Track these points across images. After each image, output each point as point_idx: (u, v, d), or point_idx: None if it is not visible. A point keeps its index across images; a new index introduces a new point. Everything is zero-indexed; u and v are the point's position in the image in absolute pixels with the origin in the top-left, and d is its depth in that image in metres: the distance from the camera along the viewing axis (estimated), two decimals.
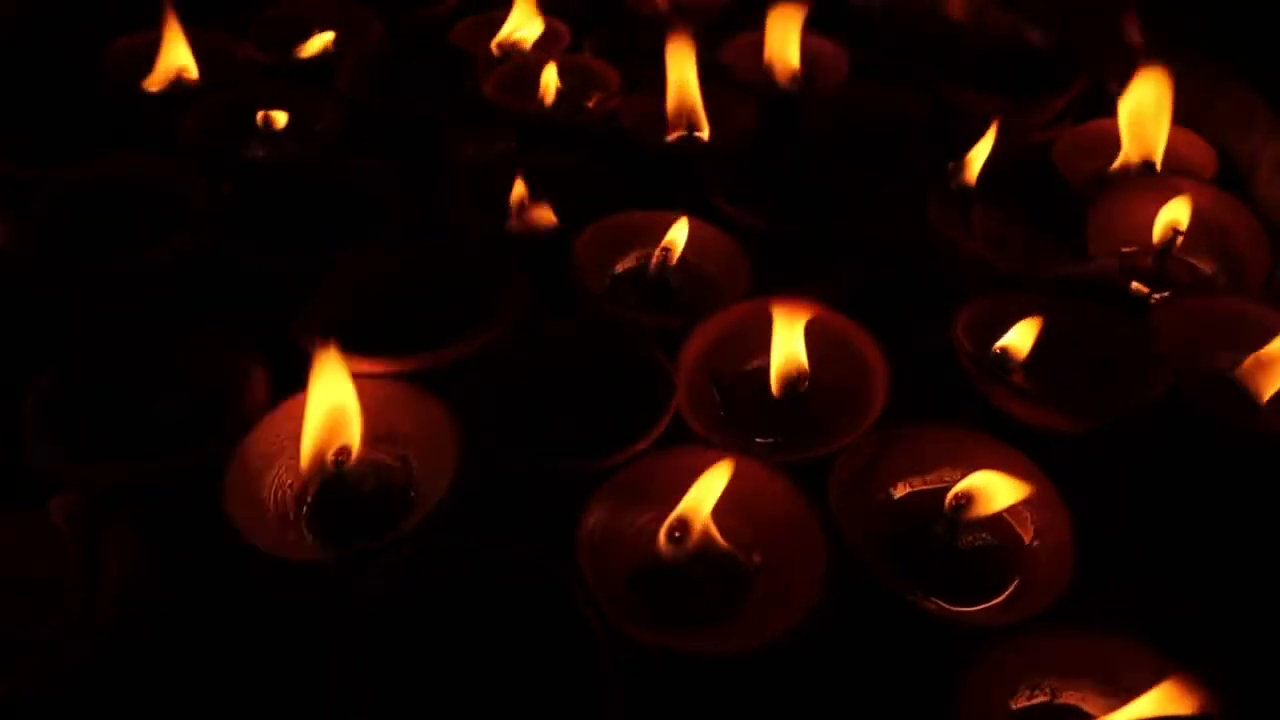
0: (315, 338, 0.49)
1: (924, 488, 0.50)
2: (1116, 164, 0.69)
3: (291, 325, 0.55)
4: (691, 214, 0.64)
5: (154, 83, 0.75)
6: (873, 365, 0.54)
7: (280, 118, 0.71)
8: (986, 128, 0.68)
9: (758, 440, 0.54)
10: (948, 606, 0.46)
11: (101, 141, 0.71)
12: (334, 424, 0.50)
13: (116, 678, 0.45)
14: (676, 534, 0.45)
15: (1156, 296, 0.61)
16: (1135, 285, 0.62)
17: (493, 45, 0.82)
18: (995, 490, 0.46)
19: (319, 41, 0.80)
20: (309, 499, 0.50)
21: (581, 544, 0.45)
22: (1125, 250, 0.64)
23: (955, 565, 0.47)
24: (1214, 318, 0.57)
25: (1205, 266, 0.64)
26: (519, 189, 0.64)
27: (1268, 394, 0.53)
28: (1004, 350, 0.53)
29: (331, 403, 0.50)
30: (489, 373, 0.54)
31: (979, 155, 0.67)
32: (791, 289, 0.55)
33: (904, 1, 0.93)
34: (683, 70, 0.71)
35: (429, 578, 0.45)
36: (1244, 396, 0.54)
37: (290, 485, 0.51)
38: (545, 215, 0.64)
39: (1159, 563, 0.49)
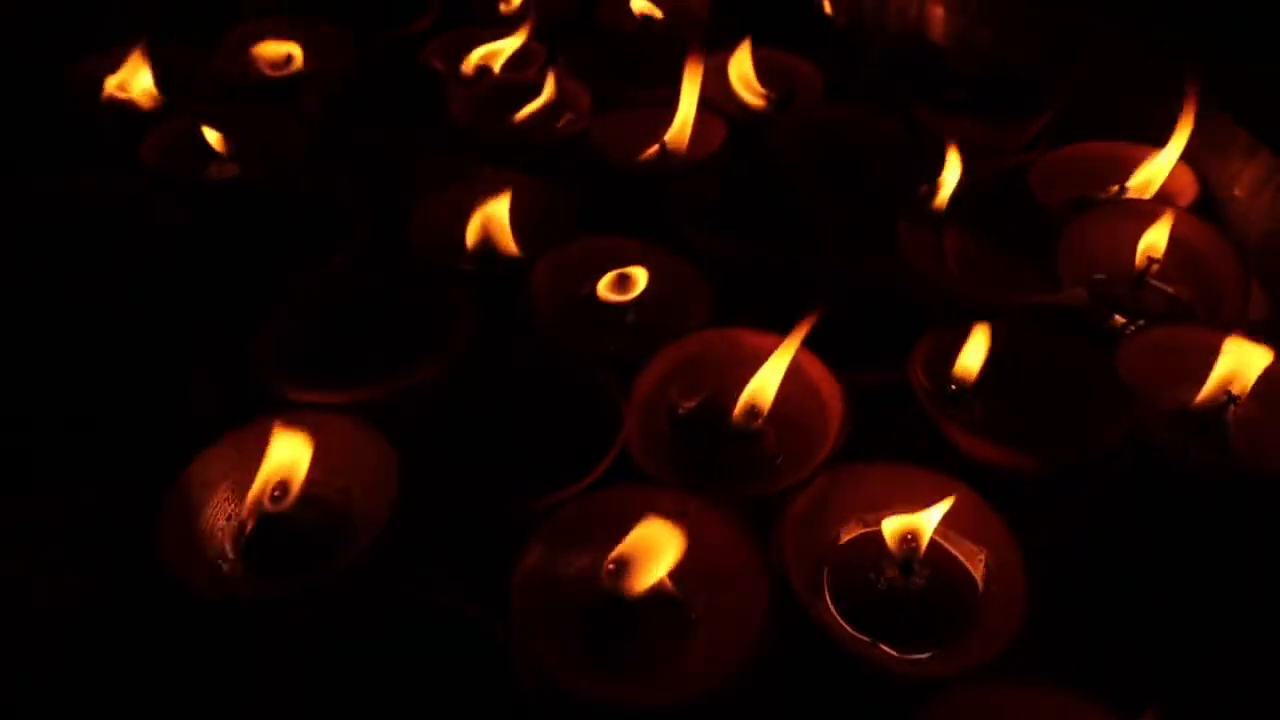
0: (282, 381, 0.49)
1: (877, 528, 0.49)
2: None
3: (250, 367, 0.54)
4: (655, 239, 0.63)
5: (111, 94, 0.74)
6: (828, 399, 0.52)
7: (223, 140, 0.70)
8: (958, 151, 0.66)
9: (709, 476, 0.52)
10: (895, 654, 0.44)
11: (63, 160, 0.70)
12: (286, 466, 0.49)
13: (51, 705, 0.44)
14: (613, 569, 0.44)
15: (1130, 326, 0.60)
16: (1108, 315, 0.60)
17: (466, 67, 0.81)
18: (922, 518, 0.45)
19: (287, 61, 0.80)
20: (247, 533, 0.49)
21: (517, 586, 0.44)
22: (1098, 278, 0.62)
23: (906, 609, 0.46)
24: (1185, 349, 0.56)
25: (1181, 295, 0.62)
26: (483, 213, 0.63)
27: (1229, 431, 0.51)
28: (959, 381, 0.52)
29: (287, 448, 0.49)
30: (437, 404, 0.53)
31: (950, 179, 0.65)
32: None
33: (887, 23, 0.92)
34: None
35: (353, 622, 0.44)
36: (1213, 433, 0.52)
37: (230, 518, 0.50)
38: (506, 243, 0.63)
39: (1117, 611, 0.47)
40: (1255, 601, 0.47)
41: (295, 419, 0.49)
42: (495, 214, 0.63)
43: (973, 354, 0.51)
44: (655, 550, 0.44)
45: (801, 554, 0.46)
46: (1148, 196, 0.66)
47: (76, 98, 0.74)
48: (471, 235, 0.63)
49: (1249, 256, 0.60)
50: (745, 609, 0.44)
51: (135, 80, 0.74)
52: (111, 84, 0.74)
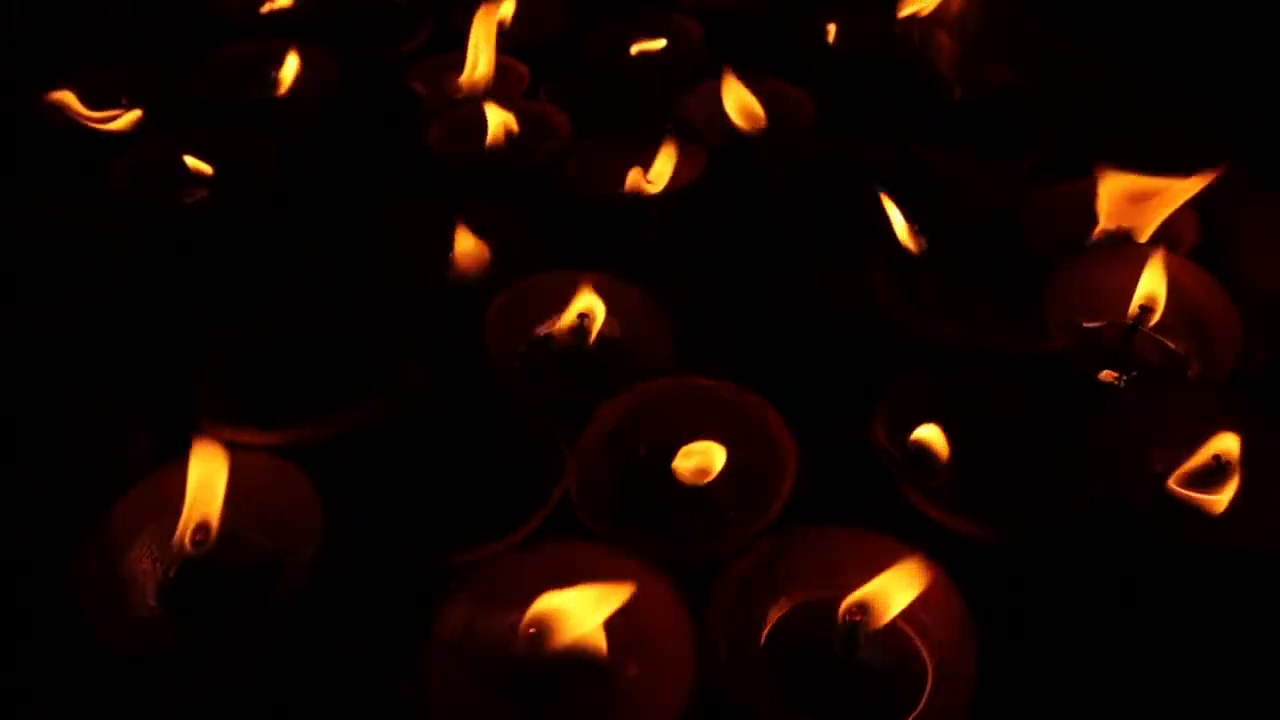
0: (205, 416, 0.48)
1: (824, 597, 0.46)
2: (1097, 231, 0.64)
3: (191, 398, 0.52)
4: (626, 273, 0.61)
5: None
6: (784, 454, 0.49)
7: (201, 165, 0.69)
8: (950, 184, 0.63)
9: (655, 532, 0.49)
10: None
11: (32, 183, 0.69)
12: (205, 502, 0.47)
13: None
14: (533, 633, 0.42)
15: (1121, 380, 0.56)
16: (1097, 367, 0.57)
17: (455, 87, 0.80)
18: (890, 594, 0.42)
19: (270, 83, 0.79)
20: (169, 578, 0.48)
21: (434, 648, 0.42)
22: (1088, 326, 0.59)
23: (849, 688, 0.43)
24: (1176, 408, 0.52)
25: (1174, 347, 0.58)
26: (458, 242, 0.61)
27: (1221, 502, 0.47)
28: (921, 445, 0.48)
29: (204, 482, 0.47)
30: (377, 447, 0.51)
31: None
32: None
33: (889, 50, 0.89)
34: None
35: (269, 673, 0.42)
36: (1192, 505, 0.48)
37: (154, 562, 0.48)
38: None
39: (1079, 696, 0.44)
40: (1233, 690, 0.43)
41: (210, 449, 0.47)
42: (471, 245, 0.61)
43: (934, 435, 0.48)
44: (575, 615, 0.41)
45: (737, 624, 0.43)
46: (1142, 240, 0.62)
47: (47, 120, 0.73)
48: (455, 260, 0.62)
49: (1247, 307, 0.56)
50: (673, 680, 0.41)
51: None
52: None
